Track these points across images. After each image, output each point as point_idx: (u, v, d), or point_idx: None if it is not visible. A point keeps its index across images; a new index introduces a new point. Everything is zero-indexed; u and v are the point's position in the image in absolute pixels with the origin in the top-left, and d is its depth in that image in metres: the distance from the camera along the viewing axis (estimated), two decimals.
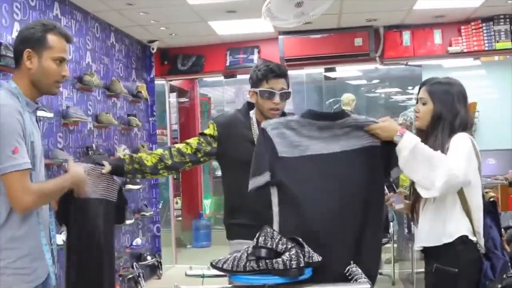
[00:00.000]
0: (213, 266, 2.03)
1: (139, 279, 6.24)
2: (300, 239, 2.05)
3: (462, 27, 6.51)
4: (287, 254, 1.93)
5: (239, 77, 7.49)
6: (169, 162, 2.92)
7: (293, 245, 1.95)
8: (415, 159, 2.40)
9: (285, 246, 1.95)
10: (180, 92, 8.77)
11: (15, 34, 4.21)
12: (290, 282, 1.99)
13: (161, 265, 6.98)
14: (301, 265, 1.92)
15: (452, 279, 2.51)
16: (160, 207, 7.25)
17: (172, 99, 8.02)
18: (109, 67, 5.94)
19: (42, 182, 2.41)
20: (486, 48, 6.44)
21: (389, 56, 6.65)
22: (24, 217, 2.26)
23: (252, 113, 3.01)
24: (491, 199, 2.63)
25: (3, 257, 2.20)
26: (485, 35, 6.41)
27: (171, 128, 7.69)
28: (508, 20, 6.35)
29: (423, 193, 2.47)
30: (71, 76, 5.04)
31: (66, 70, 2.44)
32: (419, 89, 2.76)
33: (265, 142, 2.41)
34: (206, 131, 3.02)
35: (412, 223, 2.71)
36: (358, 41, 6.54)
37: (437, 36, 6.58)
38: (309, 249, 2.06)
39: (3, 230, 2.21)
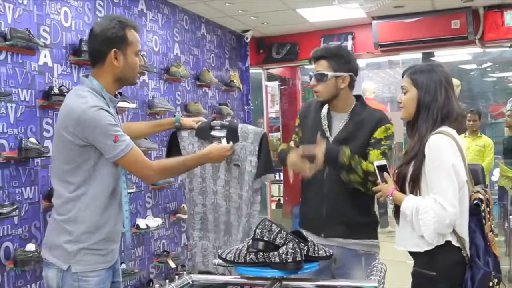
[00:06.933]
0: (218, 256, 2.07)
1: None
2: (304, 232, 2.03)
3: None
4: (284, 247, 1.91)
5: None
6: None
7: (292, 238, 1.93)
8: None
9: (284, 239, 1.93)
10: (282, 80, 8.81)
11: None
12: (295, 275, 1.99)
13: None
14: (297, 259, 1.90)
15: (430, 282, 2.38)
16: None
17: (270, 88, 8.10)
18: (199, 57, 6.12)
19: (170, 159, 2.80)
20: None
21: (490, 38, 6.19)
22: (106, 206, 2.42)
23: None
24: (475, 201, 2.37)
25: (85, 239, 2.38)
26: None
27: (268, 116, 7.77)
28: None
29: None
30: (158, 67, 5.27)
31: (142, 60, 2.64)
32: (402, 78, 2.58)
33: None
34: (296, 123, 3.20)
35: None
36: (456, 23, 6.17)
37: None
38: (316, 243, 2.03)
39: (87, 216, 2.38)
